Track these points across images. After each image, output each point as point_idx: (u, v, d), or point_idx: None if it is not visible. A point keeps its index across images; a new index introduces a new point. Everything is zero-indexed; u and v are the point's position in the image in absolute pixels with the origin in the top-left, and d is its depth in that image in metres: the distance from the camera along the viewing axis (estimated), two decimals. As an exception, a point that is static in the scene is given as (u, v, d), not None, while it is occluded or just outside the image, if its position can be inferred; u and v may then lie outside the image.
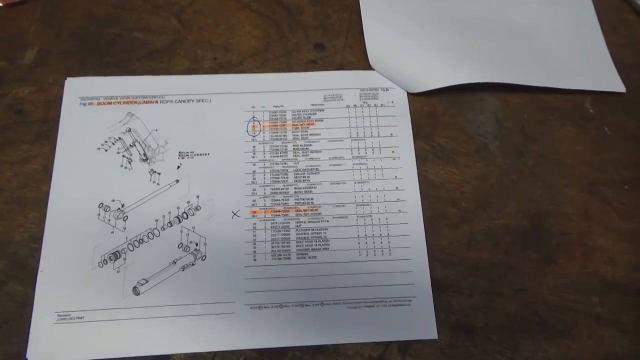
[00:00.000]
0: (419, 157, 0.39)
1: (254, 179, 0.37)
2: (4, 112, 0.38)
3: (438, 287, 0.35)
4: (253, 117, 0.39)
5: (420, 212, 0.37)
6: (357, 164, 0.38)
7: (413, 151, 0.39)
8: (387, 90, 0.40)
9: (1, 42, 0.40)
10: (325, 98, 0.40)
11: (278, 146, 0.38)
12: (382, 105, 0.40)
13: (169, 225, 0.36)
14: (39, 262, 0.34)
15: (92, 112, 0.38)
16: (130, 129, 0.38)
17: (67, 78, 0.39)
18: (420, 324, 0.34)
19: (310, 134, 0.39)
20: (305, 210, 0.36)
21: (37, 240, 0.35)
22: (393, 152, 0.38)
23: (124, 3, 0.43)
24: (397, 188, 0.37)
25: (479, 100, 0.41)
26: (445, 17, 0.42)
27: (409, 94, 0.40)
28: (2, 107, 0.38)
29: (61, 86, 0.39)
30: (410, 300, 0.34)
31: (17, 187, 0.36)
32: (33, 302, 0.33)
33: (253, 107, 0.39)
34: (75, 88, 0.39)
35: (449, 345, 0.33)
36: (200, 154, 0.38)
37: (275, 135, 0.39)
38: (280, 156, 0.38)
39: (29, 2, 0.42)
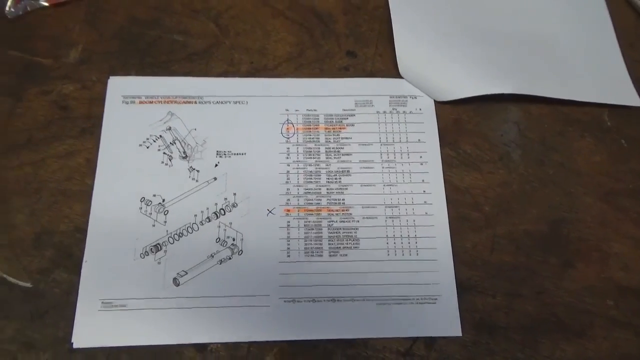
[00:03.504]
0: (445, 162, 0.40)
1: (288, 179, 0.39)
2: (50, 107, 0.40)
3: (462, 287, 0.37)
4: (287, 119, 0.41)
5: (446, 215, 0.38)
6: (387, 168, 0.40)
7: (439, 157, 0.40)
8: (416, 98, 0.42)
9: (47, 40, 0.42)
10: (356, 103, 0.42)
11: (311, 148, 0.40)
12: (410, 112, 0.42)
13: (207, 220, 0.37)
14: (83, 252, 0.36)
15: (134, 110, 0.40)
16: (170, 127, 0.40)
17: (110, 77, 0.41)
18: (446, 321, 0.35)
19: (341, 138, 0.41)
20: (336, 210, 0.38)
21: (82, 231, 0.36)
22: (420, 157, 0.40)
23: (164, 6, 0.44)
24: (424, 192, 0.39)
25: (503, 110, 0.43)
26: (472, 31, 0.44)
27: (436, 102, 0.42)
28: (48, 102, 0.40)
29: (104, 84, 0.41)
30: (436, 299, 0.36)
31: (62, 180, 0.38)
32: (78, 290, 0.35)
33: (287, 110, 0.41)
34: (118, 86, 0.41)
35: (473, 343, 0.35)
36: (237, 154, 0.39)
37: (309, 138, 0.40)
38: (313, 158, 0.40)
39: (73, 2, 0.43)
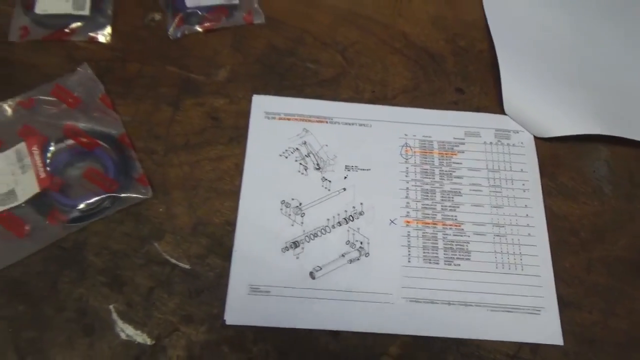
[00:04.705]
0: (545, 191, 0.45)
1: (407, 194, 0.44)
2: (204, 117, 0.46)
3: (562, 302, 0.41)
4: (405, 143, 0.47)
5: (546, 237, 0.43)
6: (493, 192, 0.45)
7: (540, 186, 0.45)
8: (518, 133, 0.48)
9: (200, 60, 0.49)
10: (466, 134, 0.47)
11: (427, 169, 0.46)
12: (513, 145, 0.47)
13: (338, 224, 0.43)
14: (233, 242, 0.41)
15: (275, 125, 0.46)
16: (305, 142, 0.46)
17: (254, 95, 0.48)
18: (549, 331, 0.40)
19: (453, 162, 0.46)
20: (450, 225, 0.43)
21: (231, 224, 0.42)
22: (523, 184, 0.45)
23: (299, 39, 0.51)
24: (527, 215, 0.44)
25: (595, 150, 0.48)
26: (570, 77, 0.50)
27: (536, 137, 0.48)
28: (201, 113, 0.46)
29: (249, 101, 0.47)
30: (539, 310, 0.40)
31: (214, 179, 0.44)
32: (229, 274, 0.40)
33: (405, 134, 0.47)
34: (261, 103, 0.47)
35: (574, 352, 0.39)
36: (363, 169, 0.45)
37: (424, 160, 0.46)
38: (429, 178, 0.45)
39: (222, 30, 0.50)
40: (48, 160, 0.42)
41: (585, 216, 0.45)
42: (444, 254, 0.42)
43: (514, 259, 0.42)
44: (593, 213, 0.45)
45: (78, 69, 0.46)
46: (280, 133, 0.46)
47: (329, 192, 0.44)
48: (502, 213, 0.44)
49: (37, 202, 0.40)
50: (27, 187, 0.41)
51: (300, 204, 0.43)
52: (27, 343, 0.37)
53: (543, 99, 0.49)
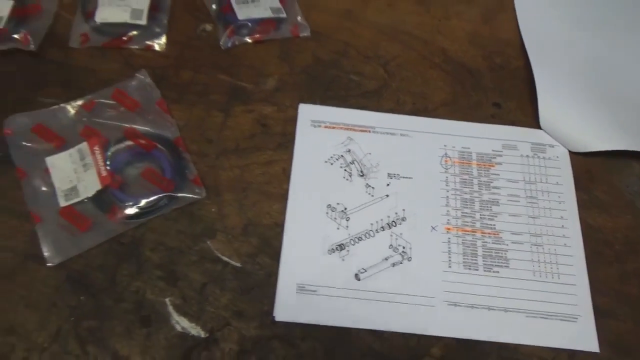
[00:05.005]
0: (580, 204, 0.47)
1: (448, 202, 0.46)
2: (253, 123, 0.49)
3: (598, 310, 0.42)
4: (445, 153, 0.49)
5: (582, 247, 0.45)
6: (530, 203, 0.47)
7: (575, 198, 0.47)
8: (553, 147, 0.49)
9: (249, 69, 0.51)
10: (503, 146, 0.49)
11: (466, 179, 0.47)
12: (549, 158, 0.49)
13: (382, 229, 0.44)
14: (281, 243, 0.43)
15: (320, 133, 0.48)
16: (349, 149, 0.48)
17: (300, 104, 0.50)
18: (585, 338, 0.41)
19: (491, 173, 0.48)
20: (489, 233, 0.45)
21: (279, 226, 0.44)
22: (559, 197, 0.47)
23: (343, 52, 0.54)
24: (562, 226, 0.46)
25: (628, 166, 0.50)
26: (605, 94, 0.52)
27: (570, 152, 0.49)
28: (251, 119, 0.49)
29: (295, 109, 0.50)
30: (576, 318, 0.42)
31: (264, 183, 0.46)
32: (278, 274, 0.42)
33: (445, 145, 0.49)
34: (307, 112, 0.49)
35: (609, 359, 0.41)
36: (405, 177, 0.47)
37: (464, 171, 0.48)
38: (468, 187, 0.47)
39: (270, 41, 0.53)
40: (108, 161, 0.44)
41: (619, 229, 0.46)
42: (483, 260, 0.44)
43: (551, 268, 0.44)
44: (626, 226, 0.46)
45: (136, 74, 0.48)
46: (326, 140, 0.48)
47: (372, 198, 0.46)
48: (538, 223, 0.46)
49: (98, 198, 0.43)
50: (89, 184, 0.43)
51: (346, 208, 0.45)
52: (88, 332, 0.39)
53: (578, 114, 0.51)
